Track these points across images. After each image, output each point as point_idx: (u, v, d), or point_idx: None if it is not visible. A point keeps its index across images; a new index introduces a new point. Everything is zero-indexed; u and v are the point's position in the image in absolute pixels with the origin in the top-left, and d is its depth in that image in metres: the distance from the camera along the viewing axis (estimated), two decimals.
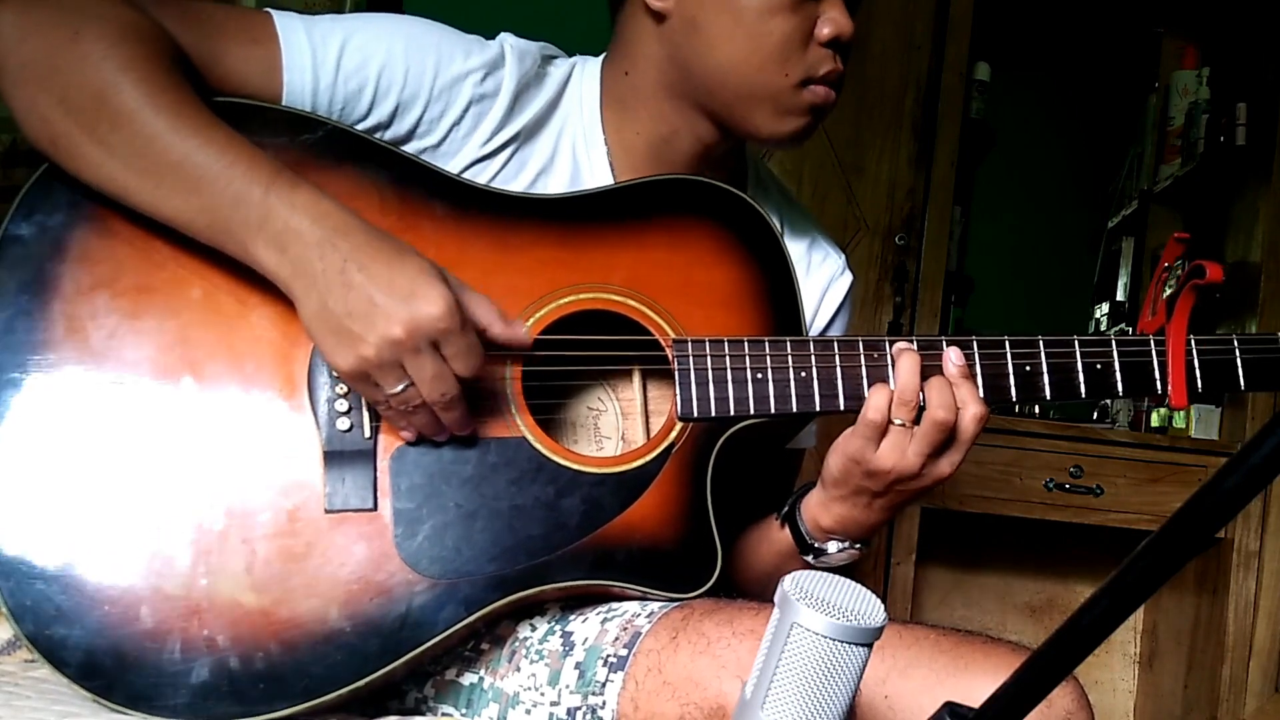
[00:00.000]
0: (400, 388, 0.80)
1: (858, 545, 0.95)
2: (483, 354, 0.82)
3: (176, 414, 0.82)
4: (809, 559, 0.95)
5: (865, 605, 0.59)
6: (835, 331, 1.13)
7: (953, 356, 0.90)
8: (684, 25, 0.96)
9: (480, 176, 0.96)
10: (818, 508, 0.93)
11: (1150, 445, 2.18)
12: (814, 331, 1.11)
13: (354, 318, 0.78)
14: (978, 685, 0.77)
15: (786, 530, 0.97)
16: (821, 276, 1.11)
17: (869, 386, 0.90)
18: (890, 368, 0.91)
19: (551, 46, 1.04)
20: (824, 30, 0.94)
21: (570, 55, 1.06)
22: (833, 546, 0.94)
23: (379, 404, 0.83)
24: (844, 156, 2.22)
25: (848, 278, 1.13)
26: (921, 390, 0.88)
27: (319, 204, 0.79)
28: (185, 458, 0.81)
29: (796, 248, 1.09)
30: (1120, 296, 2.73)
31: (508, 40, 0.98)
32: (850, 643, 0.57)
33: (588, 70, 1.04)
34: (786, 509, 0.97)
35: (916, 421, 0.88)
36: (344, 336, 0.78)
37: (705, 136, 1.01)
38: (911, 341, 0.91)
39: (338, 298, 0.78)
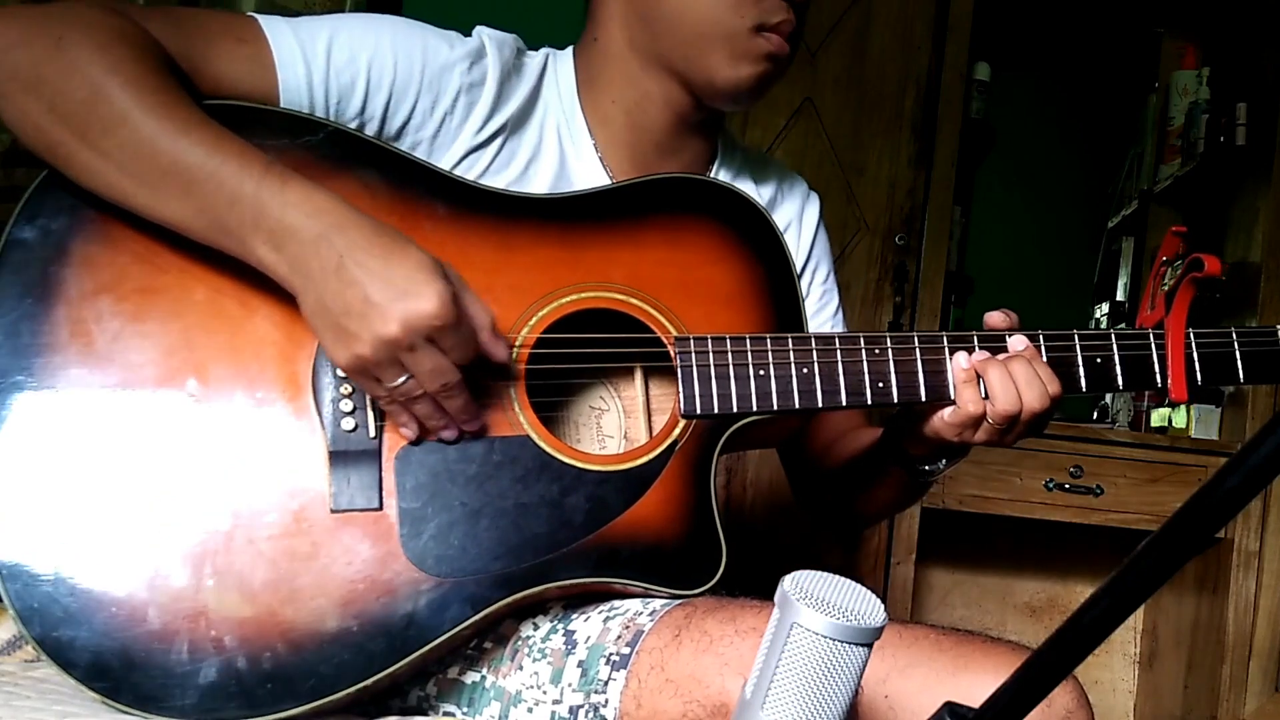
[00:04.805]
0: (400, 381, 0.80)
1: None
2: (478, 344, 0.83)
3: (181, 416, 0.82)
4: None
5: (865, 605, 0.59)
6: (819, 249, 1.19)
7: (1018, 345, 0.93)
8: None
9: (474, 167, 0.98)
10: (929, 444, 0.97)
11: (1150, 445, 2.18)
12: (801, 254, 1.17)
13: (350, 315, 0.78)
14: (978, 685, 0.77)
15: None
16: (793, 204, 1.19)
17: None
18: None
19: (521, 40, 1.06)
20: None
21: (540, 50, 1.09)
22: (941, 464, 1.01)
23: (380, 398, 0.83)
24: (844, 156, 2.22)
25: (815, 199, 1.21)
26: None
27: (311, 198, 0.79)
28: (190, 460, 0.81)
29: (766, 189, 1.15)
30: (1120, 296, 2.73)
31: (484, 32, 1.01)
32: (850, 643, 0.57)
33: (561, 58, 1.08)
34: (892, 454, 1.02)
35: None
36: (341, 334, 0.79)
37: (675, 101, 1.04)
38: (970, 341, 0.94)
39: (334, 295, 0.78)
